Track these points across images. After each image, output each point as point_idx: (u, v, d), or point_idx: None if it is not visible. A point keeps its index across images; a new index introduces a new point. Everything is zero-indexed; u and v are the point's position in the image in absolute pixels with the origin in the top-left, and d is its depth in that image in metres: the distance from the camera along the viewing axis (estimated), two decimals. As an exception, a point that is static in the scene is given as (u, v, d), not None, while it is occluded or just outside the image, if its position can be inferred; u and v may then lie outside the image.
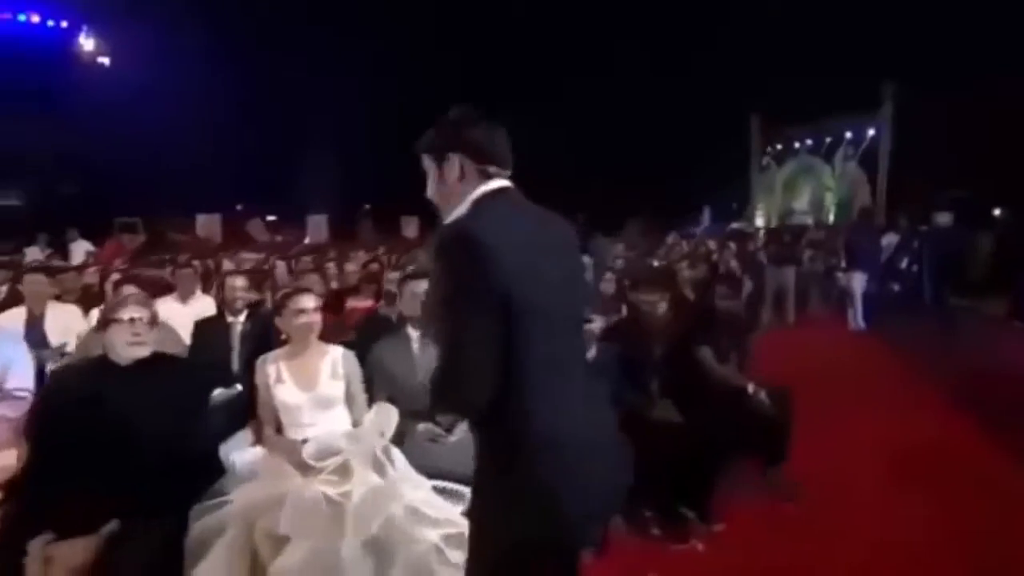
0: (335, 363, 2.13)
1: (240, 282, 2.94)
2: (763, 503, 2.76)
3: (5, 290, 4.24)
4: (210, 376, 2.37)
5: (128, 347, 1.81)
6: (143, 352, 1.84)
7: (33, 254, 8.13)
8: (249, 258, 5.70)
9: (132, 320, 1.82)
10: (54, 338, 3.11)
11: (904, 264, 7.79)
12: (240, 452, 1.96)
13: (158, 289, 3.38)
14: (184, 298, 3.71)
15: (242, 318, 2.95)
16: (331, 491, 1.65)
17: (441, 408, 1.13)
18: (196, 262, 4.75)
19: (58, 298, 3.73)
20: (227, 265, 4.69)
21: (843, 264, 7.27)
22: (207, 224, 18.55)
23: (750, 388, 2.88)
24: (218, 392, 2.50)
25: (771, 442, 2.89)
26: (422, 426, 2.09)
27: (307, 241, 19.14)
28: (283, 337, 2.12)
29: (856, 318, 6.83)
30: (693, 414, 2.72)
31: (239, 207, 21.19)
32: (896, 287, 7.85)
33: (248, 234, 19.07)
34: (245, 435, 2.12)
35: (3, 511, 1.63)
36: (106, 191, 16.06)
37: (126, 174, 16.41)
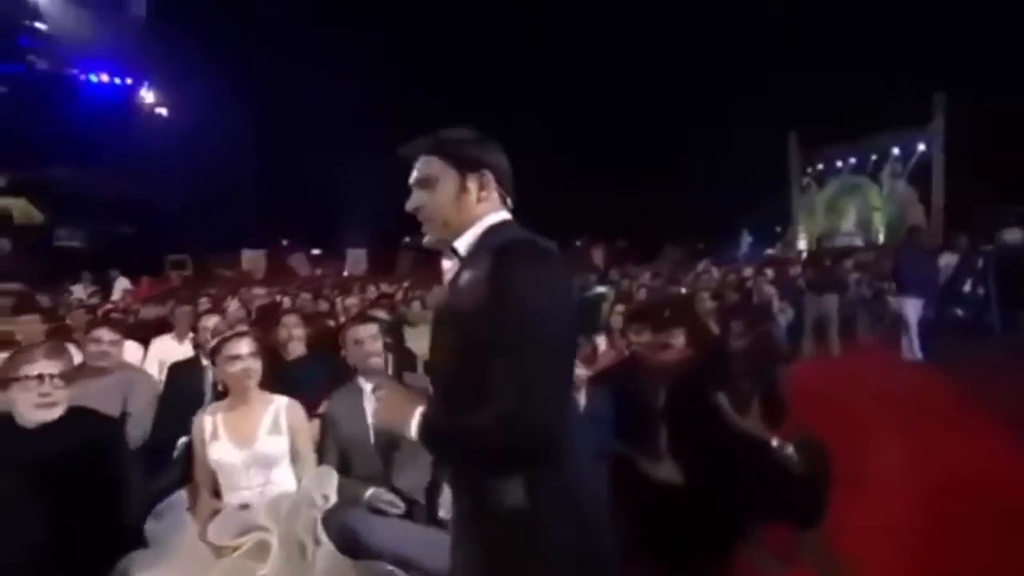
0: (277, 415, 1.88)
1: (212, 323, 2.76)
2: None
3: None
4: (140, 435, 2.16)
5: (35, 409, 1.59)
6: (52, 414, 1.62)
7: (78, 292, 8.47)
8: (259, 294, 5.64)
9: (40, 377, 1.61)
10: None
11: (968, 287, 6.97)
12: (154, 523, 1.71)
13: (143, 330, 3.27)
14: (181, 337, 3.62)
15: (214, 361, 2.77)
16: (236, 581, 1.37)
17: (506, 444, 0.92)
18: (204, 299, 4.71)
19: (65, 335, 3.73)
20: (233, 304, 4.63)
21: (893, 288, 6.60)
22: (252, 259, 19.32)
23: (774, 442, 2.44)
24: (182, 442, 2.30)
25: (803, 504, 2.41)
26: (371, 491, 1.80)
27: (346, 274, 19.61)
28: (219, 388, 1.90)
29: (912, 347, 6.10)
30: (706, 474, 2.30)
31: (284, 242, 22.02)
32: (959, 312, 7.01)
33: (291, 268, 19.73)
34: (180, 499, 1.87)
35: None
36: (161, 231, 16.98)
37: (178, 214, 17.34)
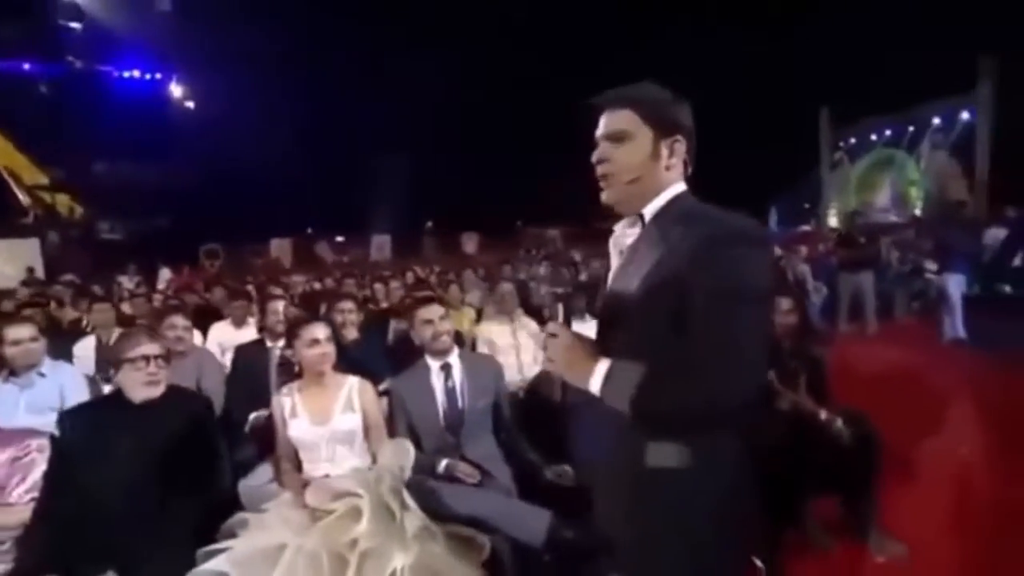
0: (350, 395, 2.00)
1: (280, 306, 2.91)
2: (844, 554, 2.34)
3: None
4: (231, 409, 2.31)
5: (144, 387, 1.76)
6: (158, 391, 1.79)
7: (125, 282, 8.86)
8: (299, 281, 5.84)
9: (147, 358, 1.77)
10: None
11: (1017, 261, 6.72)
12: (251, 489, 1.86)
13: (207, 316, 3.44)
14: (238, 323, 3.80)
15: (281, 343, 2.92)
16: (335, 539, 1.49)
17: (709, 412, 0.98)
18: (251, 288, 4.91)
19: (130, 323, 3.95)
20: (275, 291, 4.83)
21: (935, 266, 6.42)
22: (279, 247, 19.81)
23: (822, 415, 2.48)
24: (253, 416, 2.46)
25: (852, 477, 2.45)
26: (446, 462, 1.92)
27: (371, 260, 19.93)
28: (295, 369, 2.02)
29: (955, 326, 5.91)
30: (756, 448, 2.35)
31: (309, 230, 22.42)
32: (1007, 289, 6.76)
33: (316, 255, 20.15)
34: (265, 469, 2.02)
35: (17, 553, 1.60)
36: (193, 222, 17.48)
37: (210, 205, 17.81)
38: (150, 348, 1.80)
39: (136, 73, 18.57)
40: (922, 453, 3.03)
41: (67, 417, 1.78)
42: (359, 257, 19.94)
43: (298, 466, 1.98)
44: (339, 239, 22.37)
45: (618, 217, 1.13)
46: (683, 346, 0.95)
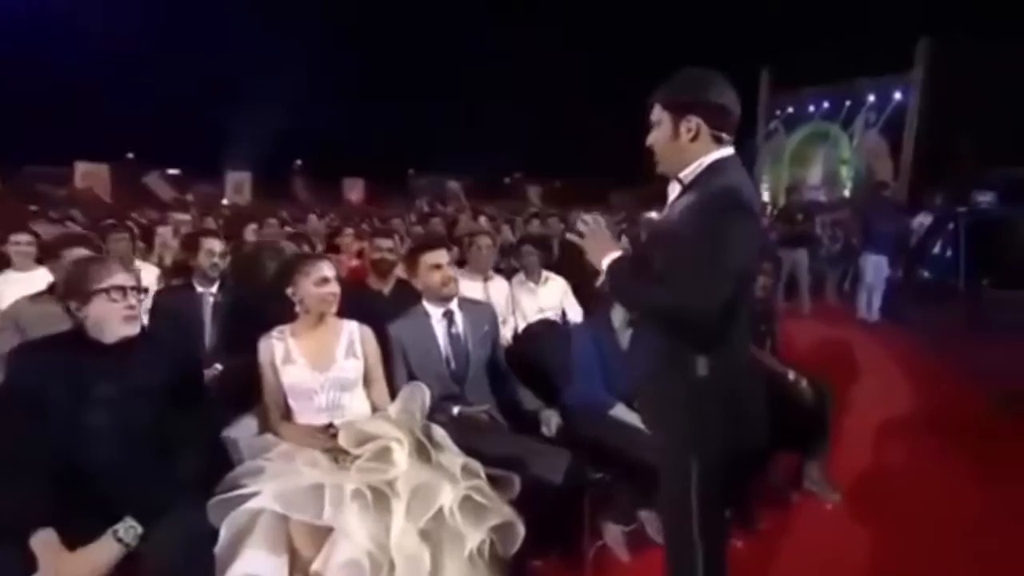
0: (352, 339, 2.22)
1: (218, 246, 2.94)
2: (798, 500, 3.09)
3: None
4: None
5: (123, 323, 1.78)
6: (137, 328, 1.83)
7: None
8: (182, 220, 5.59)
9: (122, 290, 1.79)
10: None
11: (937, 249, 8.28)
12: (251, 439, 2.02)
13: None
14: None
15: (214, 288, 2.97)
16: (372, 480, 1.75)
17: (666, 308, 1.55)
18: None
19: None
20: (161, 230, 4.63)
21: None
22: (90, 175, 17.72)
23: (791, 375, 3.14)
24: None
25: (811, 435, 3.17)
26: (458, 408, 2.23)
27: (225, 201, 18.69)
28: (297, 309, 2.18)
29: (869, 307, 7.21)
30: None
31: (130, 155, 20.37)
32: (926, 274, 8.34)
33: (148, 190, 18.41)
34: (248, 422, 2.18)
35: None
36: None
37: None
38: (125, 278, 1.83)
39: None
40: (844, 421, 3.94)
41: (19, 359, 1.78)
42: (209, 197, 18.59)
43: (287, 416, 2.17)
44: (173, 171, 20.69)
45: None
46: (678, 279, 1.49)
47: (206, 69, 19.87)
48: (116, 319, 1.79)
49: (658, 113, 1.63)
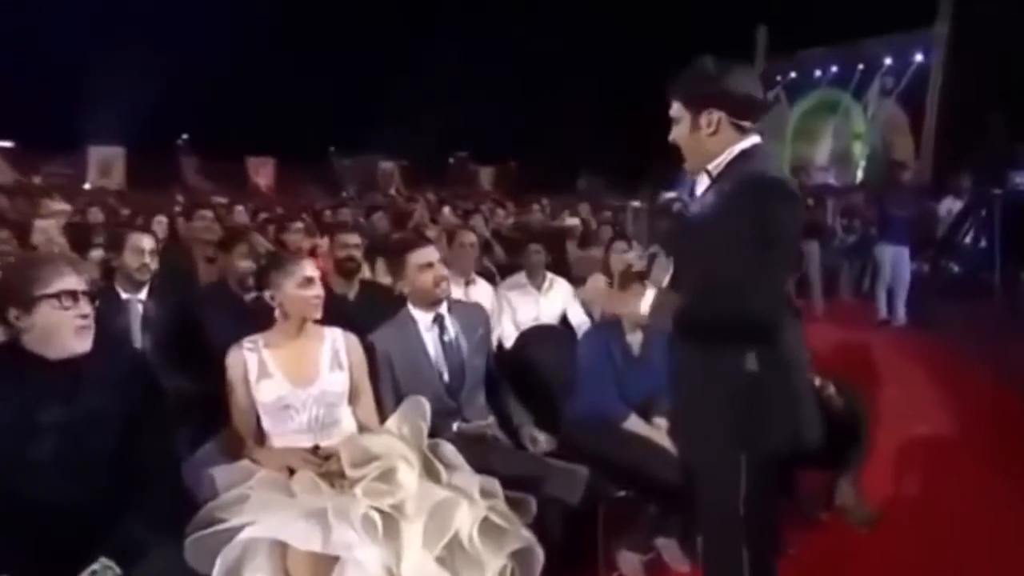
0: (336, 348, 2.39)
1: (148, 244, 3.02)
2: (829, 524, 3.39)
3: None
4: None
5: (76, 336, 1.86)
6: (89, 343, 1.91)
7: None
8: (61, 210, 5.53)
9: (73, 295, 1.85)
10: None
11: (968, 238, 8.69)
12: (226, 469, 2.15)
13: None
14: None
15: (142, 295, 3.06)
16: (380, 503, 1.93)
17: (745, 325, 1.80)
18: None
19: None
20: (40, 224, 4.59)
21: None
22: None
23: (816, 381, 3.45)
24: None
25: (841, 444, 3.48)
26: (458, 424, 2.44)
27: (88, 186, 18.16)
28: (278, 314, 2.32)
29: (891, 307, 7.58)
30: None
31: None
32: (955, 268, 8.77)
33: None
34: (208, 449, 2.31)
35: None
36: None
37: None
38: (76, 281, 1.90)
39: None
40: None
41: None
42: (65, 177, 18.03)
43: (259, 440, 2.32)
44: (6, 144, 19.96)
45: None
46: (725, 272, 1.79)
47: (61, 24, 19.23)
48: (67, 331, 1.86)
49: (677, 109, 1.92)
